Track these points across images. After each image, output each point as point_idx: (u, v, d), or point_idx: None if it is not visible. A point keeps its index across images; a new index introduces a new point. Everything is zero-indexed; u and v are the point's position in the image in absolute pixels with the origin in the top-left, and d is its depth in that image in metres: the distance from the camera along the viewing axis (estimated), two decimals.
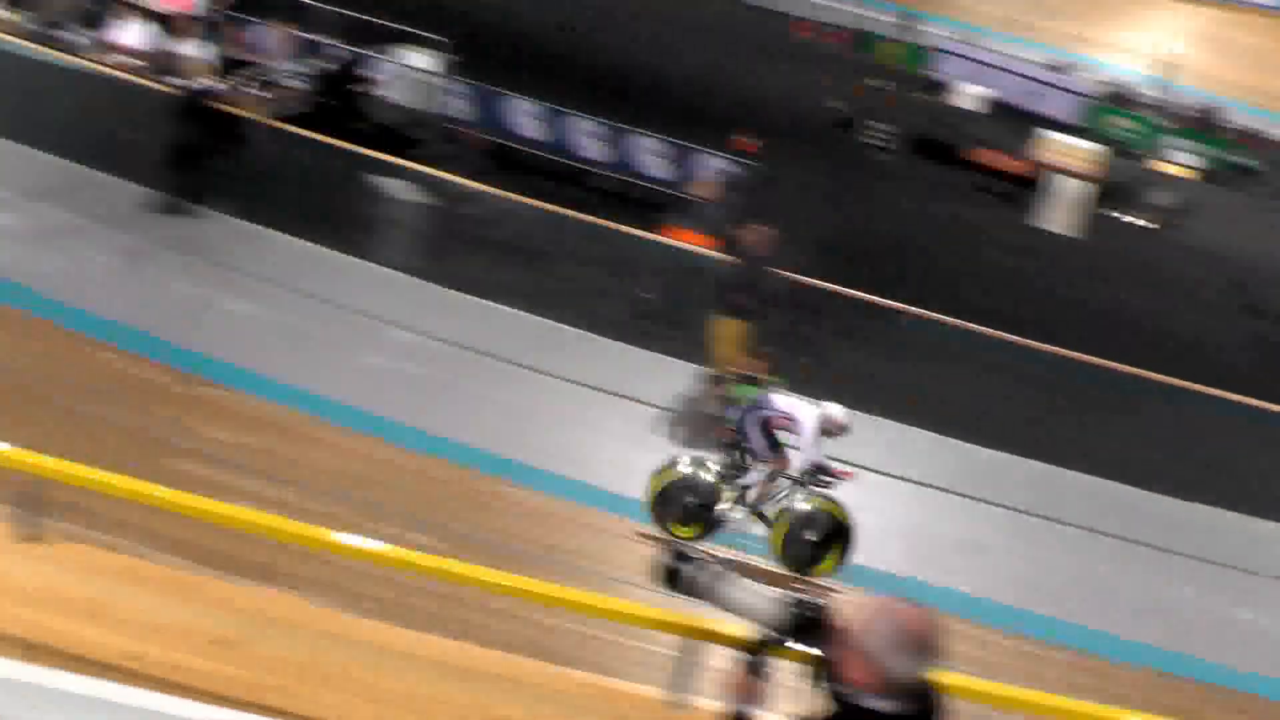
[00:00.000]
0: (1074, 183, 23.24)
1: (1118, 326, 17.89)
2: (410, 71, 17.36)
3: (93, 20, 15.22)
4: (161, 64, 14.30)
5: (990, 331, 13.54)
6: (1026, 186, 23.50)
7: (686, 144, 18.53)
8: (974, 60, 33.03)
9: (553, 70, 24.22)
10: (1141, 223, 24.19)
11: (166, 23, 15.85)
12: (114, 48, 14.50)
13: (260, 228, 13.33)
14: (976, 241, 20.64)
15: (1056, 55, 37.64)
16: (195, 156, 13.04)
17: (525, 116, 18.98)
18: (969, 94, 31.22)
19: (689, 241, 14.51)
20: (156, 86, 13.58)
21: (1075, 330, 16.69)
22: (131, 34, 14.83)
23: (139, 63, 14.22)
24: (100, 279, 11.75)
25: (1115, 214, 24.05)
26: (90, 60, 14.09)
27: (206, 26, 15.74)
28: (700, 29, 34.95)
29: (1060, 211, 22.66)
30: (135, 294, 11.64)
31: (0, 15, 14.78)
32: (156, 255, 12.44)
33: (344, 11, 18.96)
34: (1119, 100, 32.88)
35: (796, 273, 13.12)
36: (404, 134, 16.64)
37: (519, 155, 18.70)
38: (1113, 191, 24.18)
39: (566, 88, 21.90)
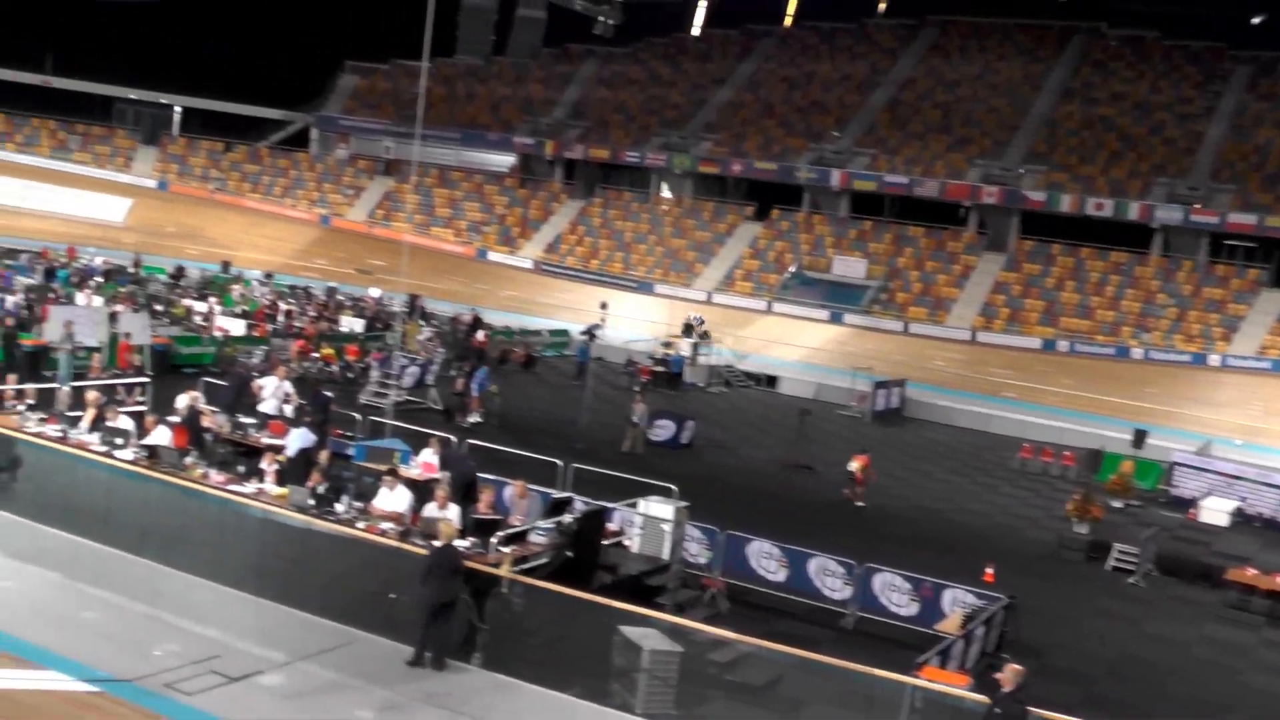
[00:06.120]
0: None
1: None
2: (652, 520, 17.67)
3: (364, 493, 16.30)
4: (416, 526, 15.06)
5: None
6: None
7: (929, 579, 18.27)
8: (1216, 473, 32.10)
9: (788, 511, 24.67)
10: None
11: (419, 488, 16.85)
12: (374, 513, 15.36)
13: (512, 680, 13.59)
14: (1238, 666, 19.37)
15: None
16: (447, 612, 13.58)
17: (765, 558, 19.10)
18: (1215, 509, 30.09)
19: (945, 681, 13.88)
20: (410, 548, 14.30)
21: None
22: (391, 500, 15.75)
23: (397, 526, 14.98)
24: None
25: None
26: (351, 527, 14.93)
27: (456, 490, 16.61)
28: (931, 456, 35.34)
29: None
30: None
31: (272, 491, 15.91)
32: (412, 710, 12.67)
33: (585, 467, 20.10)
34: None
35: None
36: (647, 583, 16.84)
37: (758, 596, 18.72)
38: None
39: (802, 527, 22.15)
